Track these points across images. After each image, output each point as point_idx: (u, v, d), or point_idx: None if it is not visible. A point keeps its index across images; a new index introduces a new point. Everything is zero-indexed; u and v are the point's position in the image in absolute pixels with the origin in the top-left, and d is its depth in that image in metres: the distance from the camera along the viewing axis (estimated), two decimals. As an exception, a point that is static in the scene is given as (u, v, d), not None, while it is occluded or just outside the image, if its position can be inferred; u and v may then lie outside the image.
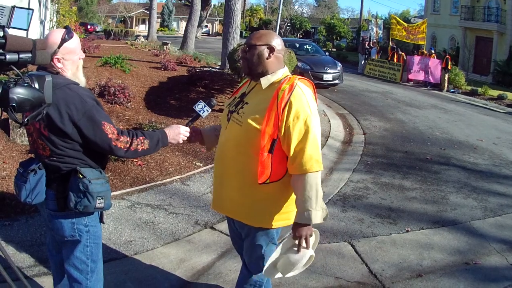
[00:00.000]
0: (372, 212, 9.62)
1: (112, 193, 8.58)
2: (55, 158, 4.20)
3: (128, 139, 4.26)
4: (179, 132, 4.80)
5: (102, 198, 4.25)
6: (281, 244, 4.54)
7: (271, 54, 4.50)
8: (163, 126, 12.19)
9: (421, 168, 13.18)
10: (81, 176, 4.15)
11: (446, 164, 13.85)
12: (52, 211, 4.34)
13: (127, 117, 13.27)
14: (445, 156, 14.73)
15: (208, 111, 5.05)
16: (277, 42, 4.57)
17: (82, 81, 4.46)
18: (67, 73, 4.28)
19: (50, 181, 4.28)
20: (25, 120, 3.31)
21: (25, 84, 3.12)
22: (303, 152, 4.22)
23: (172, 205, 8.79)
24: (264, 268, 4.57)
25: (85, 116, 4.07)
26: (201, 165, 10.96)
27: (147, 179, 9.72)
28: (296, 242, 4.42)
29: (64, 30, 4.26)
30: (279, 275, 4.67)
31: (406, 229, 8.92)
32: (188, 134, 4.90)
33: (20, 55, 3.16)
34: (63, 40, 4.19)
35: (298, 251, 4.42)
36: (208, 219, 8.40)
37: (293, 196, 4.51)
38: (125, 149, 4.26)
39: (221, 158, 4.78)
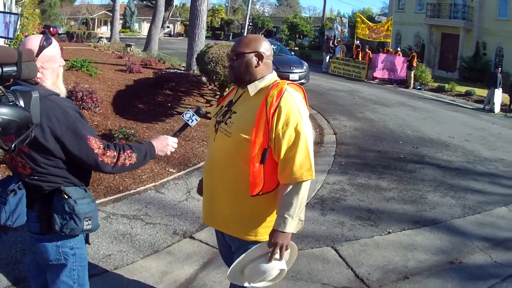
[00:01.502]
0: (352, 214, 9.50)
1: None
2: (36, 177, 3.88)
3: (115, 153, 3.97)
4: (167, 143, 4.49)
5: (89, 219, 3.96)
6: (253, 248, 4.31)
7: (259, 62, 4.30)
8: (132, 131, 12.02)
9: (395, 167, 13.13)
10: (66, 197, 3.85)
11: (420, 162, 13.86)
12: (35, 234, 4.04)
13: (96, 123, 12.95)
14: (419, 155, 14.75)
15: (196, 120, 4.76)
16: (266, 48, 4.36)
17: (62, 90, 4.12)
18: (47, 83, 3.94)
19: (32, 201, 3.96)
20: (12, 146, 3.06)
21: (10, 103, 2.85)
22: (294, 160, 4.04)
23: (149, 215, 8.56)
24: (229, 271, 4.37)
25: (69, 130, 3.76)
26: (174, 171, 10.76)
27: (121, 188, 9.47)
28: (270, 250, 4.20)
29: (42, 36, 3.93)
30: (246, 284, 4.45)
31: (387, 230, 8.86)
32: (175, 145, 4.61)
33: (4, 69, 2.90)
34: (42, 47, 3.85)
35: (269, 260, 4.20)
36: (186, 228, 8.18)
37: None
38: (112, 165, 3.97)
39: (211, 170, 4.56)
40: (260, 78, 4.33)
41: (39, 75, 3.86)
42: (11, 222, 3.90)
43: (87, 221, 3.94)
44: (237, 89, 4.60)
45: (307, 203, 9.49)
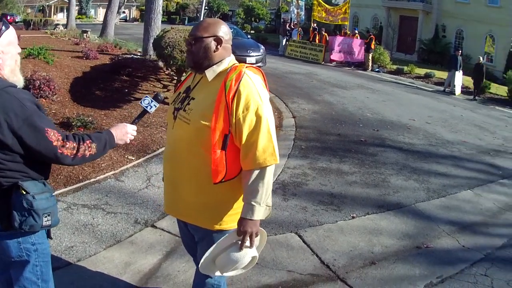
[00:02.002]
0: (315, 199, 9.47)
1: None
2: None
3: (74, 144, 3.85)
4: (126, 131, 4.37)
5: (48, 215, 3.86)
6: (223, 238, 4.24)
7: (218, 46, 4.23)
8: (90, 119, 11.88)
9: (356, 150, 13.15)
10: (24, 192, 3.73)
11: (381, 146, 13.90)
12: None
13: (53, 111, 12.72)
14: (380, 138, 14.80)
15: (155, 106, 4.61)
16: (225, 32, 4.29)
17: (20, 80, 3.99)
18: (5, 70, 3.80)
19: None
20: None
21: None
22: (256, 145, 3.99)
23: (109, 204, 8.43)
24: (200, 262, 4.26)
25: (26, 123, 3.63)
26: (133, 158, 10.65)
27: (80, 177, 9.31)
28: (240, 238, 4.14)
29: (0, 21, 3.81)
30: (218, 273, 4.39)
31: (351, 215, 8.85)
32: (135, 133, 4.49)
33: None
34: (1, 31, 3.74)
35: (240, 248, 4.14)
36: (147, 217, 8.08)
37: None
38: (72, 156, 3.84)
39: (171, 159, 4.46)
40: (218, 62, 4.26)
41: None
42: None
43: (46, 216, 3.84)
44: (194, 74, 4.51)
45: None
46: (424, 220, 8.88)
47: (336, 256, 7.31)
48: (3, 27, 3.75)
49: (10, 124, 3.58)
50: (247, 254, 4.17)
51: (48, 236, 4.26)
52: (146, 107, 4.59)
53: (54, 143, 3.74)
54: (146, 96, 4.67)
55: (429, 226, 8.65)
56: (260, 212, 4.04)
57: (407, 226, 8.57)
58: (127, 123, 4.48)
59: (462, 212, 9.41)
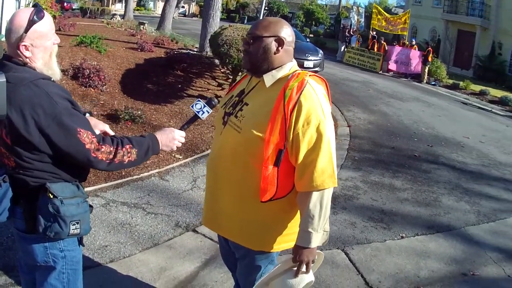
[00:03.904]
0: (365, 215, 9.11)
1: (85, 189, 7.97)
2: (21, 171, 3.43)
3: (111, 148, 3.49)
4: (173, 137, 3.97)
5: (77, 223, 3.49)
6: (279, 265, 3.91)
7: (279, 48, 3.81)
8: (139, 112, 11.69)
9: (410, 166, 12.74)
10: (51, 196, 3.38)
11: (435, 162, 13.47)
12: (22, 231, 3.62)
13: (101, 102, 12.63)
14: (433, 154, 14.36)
15: (208, 112, 4.18)
16: (287, 33, 3.86)
17: (56, 72, 3.63)
18: (37, 63, 3.46)
19: (18, 196, 3.52)
20: None
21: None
22: (314, 165, 3.58)
23: (151, 204, 8.18)
24: (254, 286, 3.96)
25: (55, 121, 3.28)
26: (180, 157, 10.40)
27: (123, 173, 9.09)
28: (295, 265, 3.79)
29: (33, 9, 3.43)
30: None
31: (400, 235, 8.46)
32: (183, 139, 4.08)
33: None
34: (31, 22, 3.35)
35: (296, 275, 3.79)
36: (189, 221, 7.79)
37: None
38: (108, 161, 3.49)
39: (214, 168, 4.10)
40: (278, 67, 3.85)
41: (28, 54, 3.40)
42: None
43: (74, 224, 3.47)
44: (250, 77, 4.11)
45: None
46: (473, 245, 8.51)
47: (381, 278, 6.97)
48: (35, 17, 3.38)
49: (37, 121, 3.25)
50: (303, 281, 3.85)
51: (80, 243, 3.89)
52: (198, 112, 4.18)
53: (87, 146, 3.38)
54: (199, 100, 4.26)
55: (476, 252, 8.28)
56: (317, 239, 3.69)
57: (455, 250, 8.20)
58: (175, 128, 4.09)
59: (510, 239, 9.01)
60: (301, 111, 3.57)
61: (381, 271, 7.13)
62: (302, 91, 3.62)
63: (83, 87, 13.12)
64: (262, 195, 3.69)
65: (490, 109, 26.94)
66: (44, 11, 3.51)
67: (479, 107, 26.63)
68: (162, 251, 6.85)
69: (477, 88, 32.69)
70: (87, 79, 13.06)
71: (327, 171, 3.60)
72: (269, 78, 3.84)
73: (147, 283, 6.07)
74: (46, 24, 3.46)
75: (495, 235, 9.06)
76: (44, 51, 3.49)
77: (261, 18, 22.74)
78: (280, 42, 3.80)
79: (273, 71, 3.85)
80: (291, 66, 3.92)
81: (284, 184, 3.74)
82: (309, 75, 3.82)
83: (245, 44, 3.94)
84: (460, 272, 7.46)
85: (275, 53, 3.81)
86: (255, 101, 3.88)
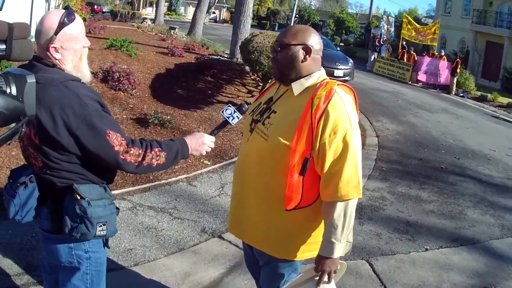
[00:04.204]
0: (390, 226, 9.07)
1: (112, 192, 8.02)
2: (48, 172, 3.46)
3: (140, 151, 3.50)
4: (203, 142, 3.98)
5: (104, 224, 3.51)
6: (301, 274, 3.91)
7: (307, 56, 3.80)
8: (169, 117, 11.74)
9: (437, 178, 12.64)
10: (79, 197, 3.41)
11: (461, 175, 13.34)
12: (46, 232, 3.64)
13: (131, 106, 12.70)
14: (460, 166, 14.24)
15: (238, 117, 4.20)
16: (315, 41, 3.86)
17: (86, 75, 3.65)
18: (67, 66, 3.48)
19: (44, 196, 3.55)
20: None
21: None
22: (340, 175, 3.55)
23: (177, 209, 8.21)
24: None
25: (85, 122, 3.30)
26: (209, 163, 10.43)
27: (151, 177, 9.14)
28: (318, 274, 3.77)
29: (64, 11, 3.45)
30: None
31: (425, 247, 8.41)
32: (212, 145, 4.09)
33: None
34: (62, 24, 3.36)
35: (317, 285, 3.77)
36: (216, 227, 7.81)
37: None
38: (137, 164, 3.50)
39: (241, 174, 4.10)
40: (307, 76, 3.85)
41: (57, 56, 3.42)
42: (20, 217, 3.56)
43: (100, 226, 3.49)
44: (278, 84, 4.10)
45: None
46: (496, 259, 8.44)
47: (404, 290, 6.95)
48: (65, 20, 3.40)
49: (66, 122, 3.27)
50: None
51: (105, 245, 3.92)
52: (228, 117, 4.19)
53: (116, 148, 3.41)
54: (229, 106, 4.26)
55: (499, 266, 8.20)
56: (340, 249, 3.67)
57: (478, 264, 8.13)
58: (206, 133, 4.10)
59: (533, 254, 9.00)
60: (328, 121, 3.56)
61: (404, 283, 7.10)
62: (330, 100, 3.61)
63: (112, 90, 13.21)
64: (287, 203, 3.69)
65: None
66: (75, 14, 3.54)
67: (506, 120, 26.52)
68: (187, 256, 6.87)
69: (504, 100, 32.48)
70: (116, 83, 13.15)
71: (353, 181, 3.58)
72: (297, 87, 3.84)
73: (171, 287, 6.09)
74: (77, 27, 3.49)
75: (518, 249, 9.02)
76: (74, 53, 3.51)
77: (291, 23, 22.76)
78: (307, 50, 3.79)
79: (302, 79, 3.84)
80: (319, 75, 3.91)
81: (309, 193, 3.74)
82: (337, 84, 3.80)
83: (273, 52, 3.96)
84: (482, 286, 7.41)
85: (302, 61, 3.80)
86: (283, 109, 3.88)
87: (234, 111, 4.19)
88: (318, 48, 3.88)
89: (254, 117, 4.07)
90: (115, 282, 5.75)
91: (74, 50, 3.51)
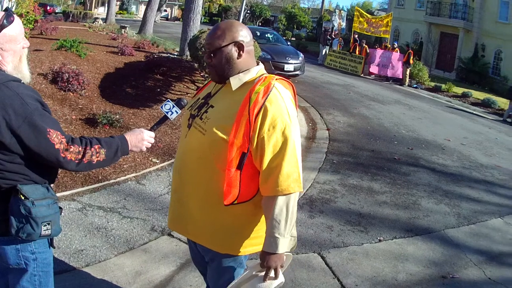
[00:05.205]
0: (342, 218, 9.10)
1: (62, 193, 8.03)
2: None
3: (80, 148, 3.51)
4: (142, 138, 4.02)
5: (48, 224, 3.52)
6: (248, 271, 3.90)
7: (241, 52, 3.81)
8: (117, 116, 11.67)
9: (389, 169, 12.75)
10: (23, 197, 3.40)
11: (415, 165, 13.47)
12: None
13: (80, 106, 12.58)
14: (414, 157, 14.37)
15: (177, 112, 4.22)
16: (244, 34, 3.85)
17: (26, 75, 3.66)
18: (7, 67, 3.49)
19: None
20: None
21: None
22: (279, 170, 3.56)
23: (127, 208, 8.17)
24: None
25: (26, 122, 3.30)
26: (157, 161, 10.39)
27: (100, 177, 9.08)
28: (263, 270, 3.77)
29: (3, 13, 3.45)
30: None
31: (378, 238, 8.47)
32: (152, 140, 4.11)
33: None
34: (1, 26, 3.38)
35: (264, 280, 3.76)
36: (165, 225, 7.75)
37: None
38: (77, 162, 3.51)
39: (180, 171, 4.07)
40: (245, 70, 3.86)
41: None
42: None
43: (45, 225, 3.50)
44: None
45: (296, 203, 9.23)
46: (452, 248, 8.51)
47: (358, 281, 6.97)
48: (4, 21, 3.41)
49: (8, 122, 3.27)
50: (273, 284, 3.81)
51: (51, 245, 3.92)
52: (167, 112, 4.21)
53: (57, 146, 3.41)
54: (168, 101, 4.28)
55: (456, 254, 8.28)
56: (285, 245, 3.66)
57: (434, 253, 8.21)
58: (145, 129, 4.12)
59: (491, 241, 9.03)
60: (266, 115, 3.57)
61: (358, 275, 7.13)
62: (268, 95, 3.62)
63: (62, 91, 13.05)
64: (225, 198, 3.68)
65: (472, 111, 27.12)
66: (14, 15, 3.54)
67: (461, 110, 26.76)
68: (137, 255, 6.84)
69: (459, 90, 32.85)
70: (66, 84, 13.02)
71: (293, 175, 3.58)
72: (236, 81, 3.84)
73: (122, 287, 6.05)
74: (16, 28, 3.49)
75: (475, 237, 9.08)
76: (13, 54, 3.51)
77: (241, 21, 22.82)
78: (239, 46, 3.80)
79: (240, 74, 3.84)
80: (258, 69, 3.93)
81: (248, 188, 3.74)
82: (276, 79, 3.82)
83: (207, 58, 3.91)
84: (440, 275, 7.47)
85: (238, 58, 3.80)
86: (221, 104, 3.88)
87: (173, 106, 4.21)
88: (248, 40, 3.88)
89: (192, 112, 4.06)
90: (67, 283, 5.80)
91: (14, 51, 3.52)
